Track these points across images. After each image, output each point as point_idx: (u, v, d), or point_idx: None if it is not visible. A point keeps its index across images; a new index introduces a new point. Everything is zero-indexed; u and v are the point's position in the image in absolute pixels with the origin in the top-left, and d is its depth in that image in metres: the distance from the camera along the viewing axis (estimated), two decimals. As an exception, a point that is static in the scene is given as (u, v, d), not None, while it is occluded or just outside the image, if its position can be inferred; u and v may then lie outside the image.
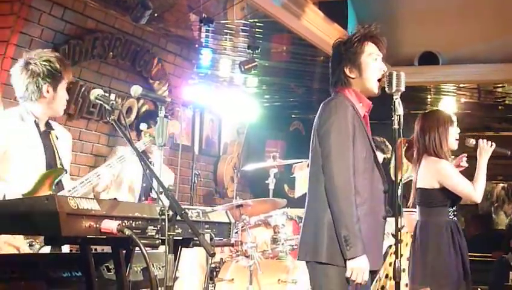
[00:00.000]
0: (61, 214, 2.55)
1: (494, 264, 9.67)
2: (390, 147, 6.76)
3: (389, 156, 6.72)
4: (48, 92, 4.12)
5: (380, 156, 6.63)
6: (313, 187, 3.99)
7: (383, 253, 4.81)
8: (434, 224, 5.29)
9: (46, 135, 4.17)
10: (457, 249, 5.26)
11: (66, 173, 4.07)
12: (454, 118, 5.44)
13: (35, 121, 4.12)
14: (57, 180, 3.93)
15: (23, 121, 4.09)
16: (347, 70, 4.02)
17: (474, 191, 5.30)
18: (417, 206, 5.46)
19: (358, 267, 3.78)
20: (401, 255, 3.98)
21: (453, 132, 5.40)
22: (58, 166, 4.07)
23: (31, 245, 3.65)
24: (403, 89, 3.91)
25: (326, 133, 3.88)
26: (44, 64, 4.12)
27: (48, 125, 4.21)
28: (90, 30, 7.15)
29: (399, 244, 3.91)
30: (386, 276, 6.55)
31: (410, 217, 5.82)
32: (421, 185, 5.36)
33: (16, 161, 3.81)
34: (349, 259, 3.77)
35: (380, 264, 4.18)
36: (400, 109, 3.88)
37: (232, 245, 6.01)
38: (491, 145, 5.40)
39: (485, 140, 5.43)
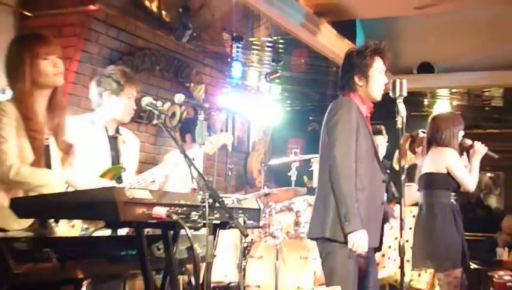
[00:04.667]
0: (119, 203, 2.56)
1: (484, 242, 9.62)
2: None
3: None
4: (109, 98, 4.13)
5: (384, 140, 6.60)
6: (322, 174, 3.98)
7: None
8: (439, 205, 5.24)
9: (114, 138, 4.18)
10: (460, 230, 5.22)
11: (125, 170, 4.07)
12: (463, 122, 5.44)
13: (104, 126, 4.14)
14: (116, 176, 3.95)
15: (94, 125, 4.11)
16: (356, 78, 4.01)
17: (470, 180, 5.28)
18: (421, 191, 5.41)
19: (357, 239, 3.75)
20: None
21: (461, 134, 5.39)
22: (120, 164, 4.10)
23: (87, 228, 3.66)
24: (405, 94, 3.89)
25: (334, 126, 3.88)
26: (107, 77, 4.14)
27: (117, 130, 4.22)
28: (140, 48, 7.18)
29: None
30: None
31: (409, 191, 5.74)
32: (428, 170, 5.32)
33: (82, 158, 3.81)
34: (349, 233, 3.75)
35: (379, 242, 4.08)
36: (402, 111, 3.86)
37: (261, 227, 6.00)
38: (484, 148, 5.39)
39: (479, 143, 5.42)
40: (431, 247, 5.19)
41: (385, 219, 4.18)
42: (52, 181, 3.31)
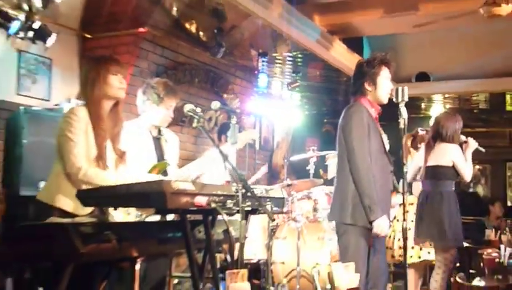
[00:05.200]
0: (167, 193, 2.57)
1: (473, 225, 9.50)
2: None
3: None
4: (151, 107, 4.12)
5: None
6: (339, 169, 3.99)
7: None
8: (446, 193, 5.19)
9: (157, 139, 4.19)
10: (459, 214, 5.20)
11: (169, 165, 4.07)
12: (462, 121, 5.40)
13: (149, 128, 4.15)
14: (162, 170, 3.95)
15: (140, 129, 4.11)
16: (366, 84, 4.00)
17: (469, 172, 5.24)
18: (426, 181, 5.35)
19: (382, 224, 3.78)
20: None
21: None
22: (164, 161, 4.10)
23: (141, 215, 3.67)
24: (406, 99, 3.87)
25: (349, 132, 3.88)
26: (151, 88, 4.15)
27: (159, 131, 4.23)
28: (181, 63, 7.19)
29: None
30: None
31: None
32: (435, 163, 5.24)
33: (133, 157, 3.81)
34: (373, 220, 3.75)
35: (389, 223, 4.10)
36: (404, 114, 3.84)
37: (285, 213, 5.98)
38: (475, 143, 5.35)
39: (472, 138, 5.37)
40: (439, 229, 5.13)
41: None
42: (111, 182, 3.32)
